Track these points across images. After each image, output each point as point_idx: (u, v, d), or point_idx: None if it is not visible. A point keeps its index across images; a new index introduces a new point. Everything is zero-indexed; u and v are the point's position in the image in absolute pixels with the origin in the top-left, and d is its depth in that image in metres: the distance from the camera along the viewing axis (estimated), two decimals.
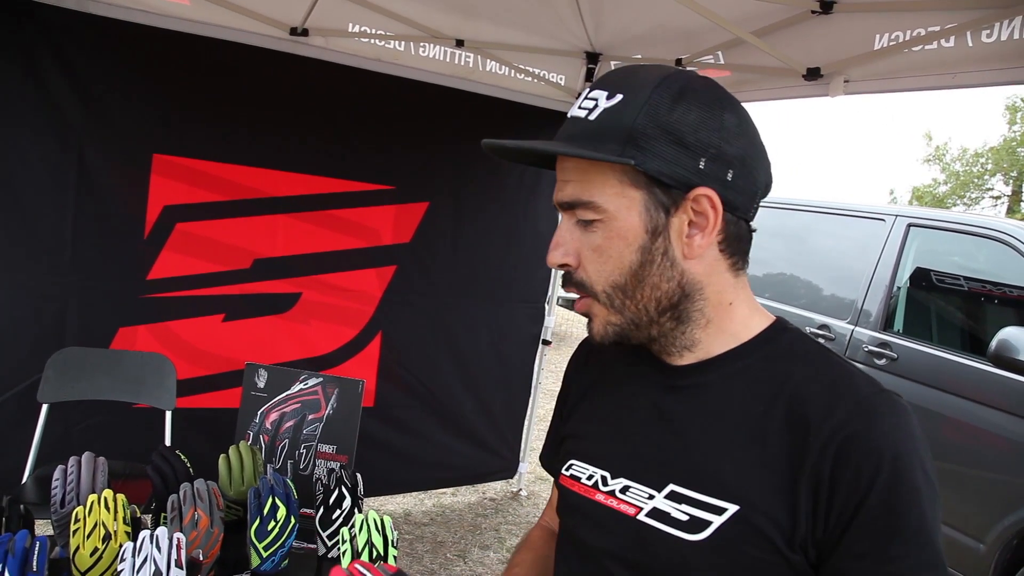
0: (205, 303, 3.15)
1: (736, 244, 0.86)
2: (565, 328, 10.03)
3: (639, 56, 3.55)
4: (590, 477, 0.93)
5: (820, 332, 4.12)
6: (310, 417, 2.06)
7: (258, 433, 2.06)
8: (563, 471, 0.98)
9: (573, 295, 0.91)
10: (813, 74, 2.70)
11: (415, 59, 3.40)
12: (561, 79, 3.82)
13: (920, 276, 3.87)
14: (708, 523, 0.80)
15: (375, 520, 1.71)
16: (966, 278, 3.80)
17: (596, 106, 0.82)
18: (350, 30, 3.18)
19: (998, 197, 21.60)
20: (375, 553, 1.62)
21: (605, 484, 0.90)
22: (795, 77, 2.76)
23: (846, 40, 2.59)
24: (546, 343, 4.18)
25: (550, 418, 1.14)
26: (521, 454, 4.23)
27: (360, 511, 1.82)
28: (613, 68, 0.91)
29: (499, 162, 3.61)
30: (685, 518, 0.82)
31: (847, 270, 4.17)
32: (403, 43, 3.34)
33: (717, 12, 2.50)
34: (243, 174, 3.15)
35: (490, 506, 4.13)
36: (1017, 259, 3.42)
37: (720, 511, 0.80)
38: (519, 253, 3.95)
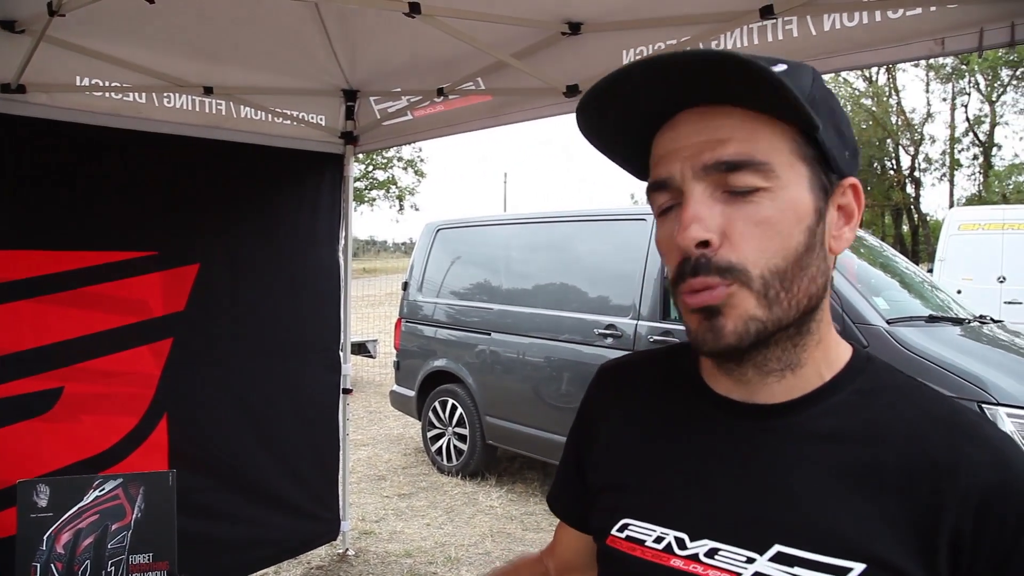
0: None
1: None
2: (357, 374, 9.75)
3: (399, 89, 3.54)
4: (659, 540, 0.77)
5: (608, 332, 4.36)
6: (114, 527, 1.77)
7: (47, 562, 1.72)
8: (614, 532, 0.82)
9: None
10: (573, 91, 2.84)
11: (160, 110, 3.11)
12: (322, 119, 3.72)
13: None
14: None
15: None
16: None
17: (773, 67, 0.68)
18: (79, 83, 2.83)
19: None
20: None
21: (682, 547, 0.76)
22: (556, 95, 2.90)
23: (597, 57, 2.76)
24: (347, 391, 4.01)
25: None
26: (341, 512, 3.99)
27: None
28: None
29: (272, 211, 3.40)
30: None
31: (619, 272, 4.46)
32: (144, 94, 3.04)
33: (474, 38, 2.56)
34: None
35: (319, 575, 3.84)
36: None
37: (843, 572, 0.68)
38: (305, 302, 3.74)
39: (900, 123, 25.95)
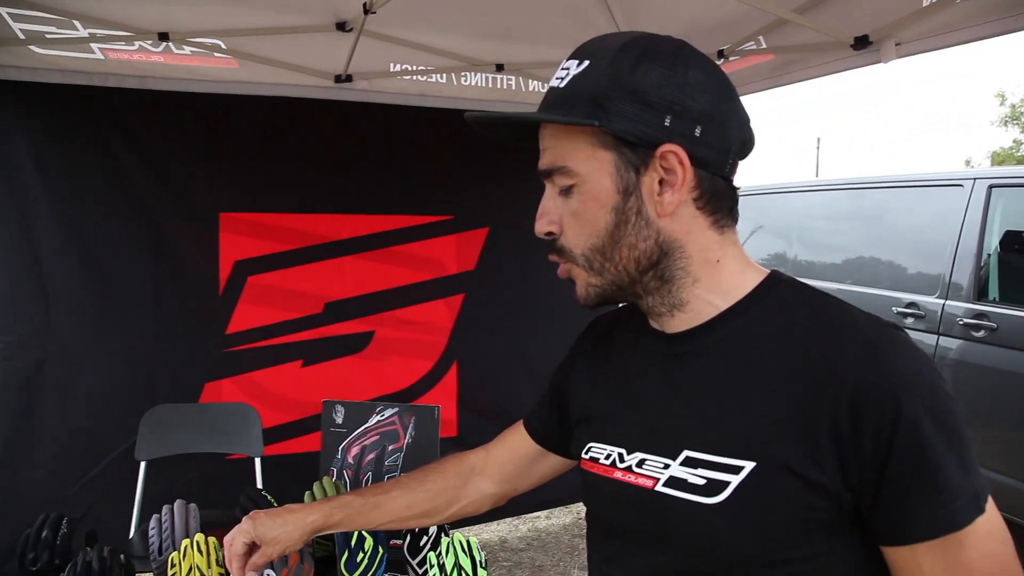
0: (283, 351, 3.24)
1: (716, 201, 0.85)
2: None
3: None
4: (607, 456, 0.93)
5: (907, 310, 3.93)
6: (390, 448, 2.08)
7: (341, 468, 2.09)
8: (583, 455, 0.98)
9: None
10: (862, 43, 2.60)
11: (458, 89, 3.45)
12: None
13: (1012, 239, 3.65)
14: (726, 484, 0.79)
15: (461, 542, 1.71)
16: None
17: (567, 74, 0.84)
18: (392, 70, 3.25)
19: None
20: (464, 574, 1.61)
21: (622, 461, 0.91)
22: (843, 49, 2.67)
23: (892, 2, 2.49)
24: None
25: None
26: None
27: (447, 535, 1.81)
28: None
29: None
30: (702, 482, 0.81)
31: (929, 243, 3.97)
32: (444, 75, 3.40)
33: None
34: (305, 222, 3.25)
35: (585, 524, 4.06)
36: None
37: (737, 470, 0.79)
38: None
39: None
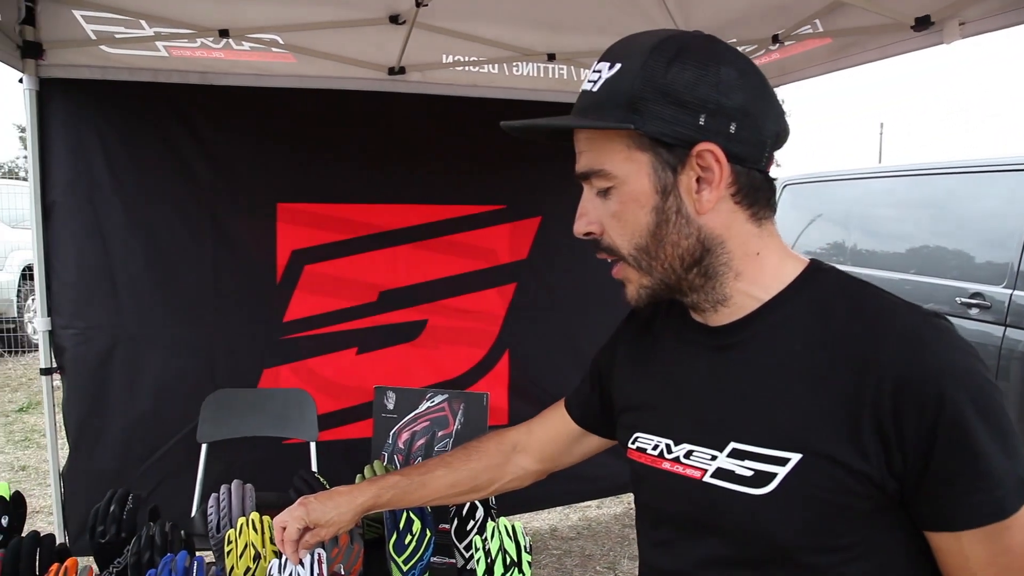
0: (338, 339, 3.32)
1: (753, 194, 0.85)
2: None
3: (734, 40, 3.44)
4: (655, 447, 0.95)
5: (972, 301, 3.80)
6: (440, 433, 2.13)
7: (392, 453, 2.14)
8: (630, 445, 1.00)
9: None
10: (923, 23, 2.52)
11: (509, 79, 3.46)
12: None
13: None
14: (773, 475, 0.81)
15: (507, 527, 1.74)
16: None
17: (600, 78, 0.84)
18: (444, 61, 3.29)
19: None
20: (508, 559, 1.64)
21: (669, 452, 0.92)
22: (903, 31, 2.59)
23: None
24: None
25: None
26: None
27: (493, 520, 1.85)
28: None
29: None
30: (750, 474, 0.83)
31: (996, 230, 3.83)
32: (496, 65, 3.42)
33: None
34: (361, 212, 3.32)
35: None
36: None
37: (783, 462, 0.80)
38: None
39: None
